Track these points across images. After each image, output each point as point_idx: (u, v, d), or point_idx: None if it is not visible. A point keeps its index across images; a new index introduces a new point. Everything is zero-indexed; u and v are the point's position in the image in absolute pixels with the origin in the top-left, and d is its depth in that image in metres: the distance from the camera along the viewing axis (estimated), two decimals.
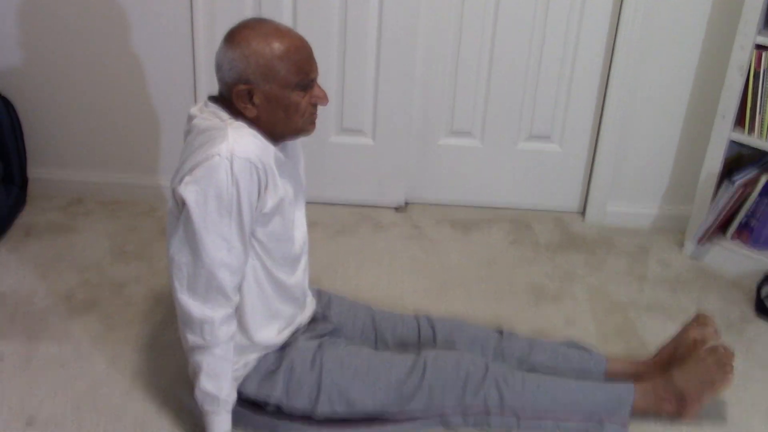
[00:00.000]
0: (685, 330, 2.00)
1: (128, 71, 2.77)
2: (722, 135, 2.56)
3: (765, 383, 2.11)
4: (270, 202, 1.65)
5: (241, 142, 1.57)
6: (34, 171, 2.92)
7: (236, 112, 1.64)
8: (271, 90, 1.60)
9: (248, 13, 2.66)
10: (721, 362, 1.85)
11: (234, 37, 1.61)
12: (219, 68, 1.62)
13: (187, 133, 1.68)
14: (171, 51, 2.73)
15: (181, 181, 1.58)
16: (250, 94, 1.61)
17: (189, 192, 1.56)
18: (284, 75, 1.60)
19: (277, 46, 1.58)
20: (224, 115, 1.63)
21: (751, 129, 2.51)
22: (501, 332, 2.03)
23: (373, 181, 2.94)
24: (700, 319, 2.00)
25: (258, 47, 1.58)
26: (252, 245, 1.67)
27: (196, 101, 2.78)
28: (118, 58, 2.75)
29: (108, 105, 2.83)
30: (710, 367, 1.86)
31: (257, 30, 1.60)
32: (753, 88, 2.47)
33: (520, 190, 2.99)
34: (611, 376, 1.99)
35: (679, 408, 1.89)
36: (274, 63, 1.58)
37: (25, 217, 2.77)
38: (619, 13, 2.66)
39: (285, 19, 2.66)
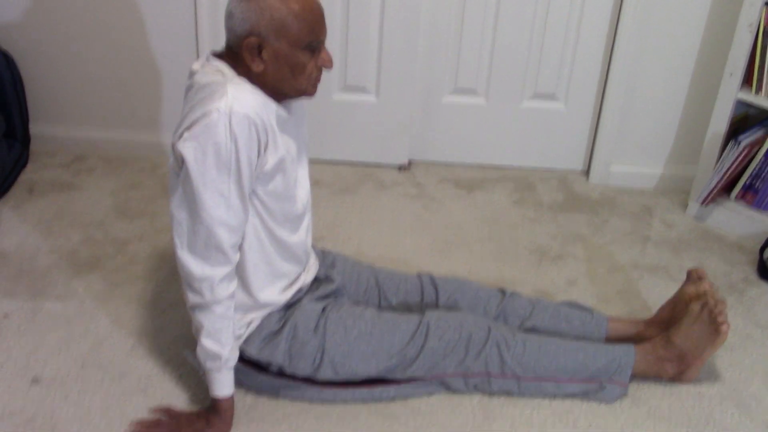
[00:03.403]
0: (681, 289, 2.01)
1: (130, 27, 2.74)
2: (729, 94, 2.53)
3: (764, 345, 2.12)
4: (271, 161, 1.63)
5: (240, 98, 1.55)
6: (36, 127, 2.91)
7: (241, 66, 1.62)
8: (280, 47, 1.59)
9: None
10: (713, 315, 1.86)
11: None
12: (230, 17, 1.59)
13: (189, 88, 1.66)
14: (172, 6, 2.69)
15: (180, 137, 1.57)
16: (259, 48, 1.59)
17: (187, 148, 1.55)
18: (296, 33, 1.58)
19: (293, 4, 1.56)
20: (227, 70, 1.62)
21: (759, 88, 2.49)
22: (504, 292, 2.03)
23: (376, 140, 2.92)
24: (693, 275, 2.00)
25: (274, 2, 1.56)
26: (252, 203, 1.67)
27: (198, 57, 2.76)
28: (119, 14, 2.72)
29: (110, 61, 2.81)
30: (704, 322, 1.86)
31: None
32: (762, 47, 2.43)
33: (524, 149, 2.98)
34: (612, 337, 2.01)
35: (681, 367, 1.91)
36: (287, 20, 1.56)
37: (27, 174, 2.77)
38: None
39: None
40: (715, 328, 1.85)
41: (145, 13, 2.71)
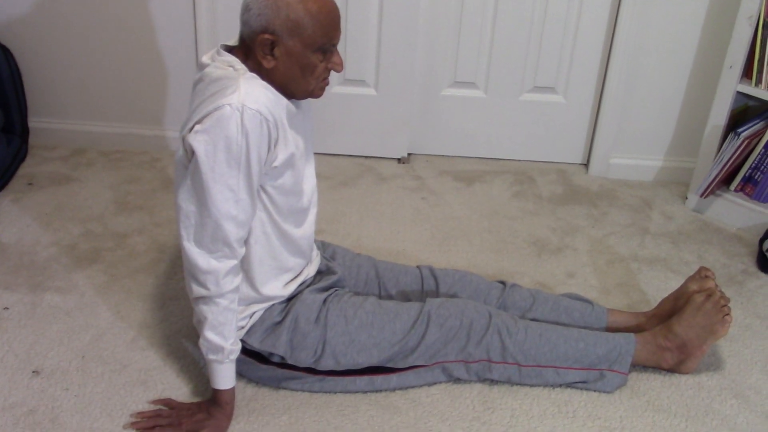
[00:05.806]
0: (685, 283, 2.01)
1: (129, 20, 2.74)
2: (729, 86, 2.53)
3: (764, 336, 2.12)
4: (281, 156, 1.64)
5: (252, 94, 1.56)
6: (35, 121, 2.91)
7: (252, 60, 1.62)
8: (293, 46, 1.59)
9: None
10: (719, 306, 1.87)
11: None
12: (247, 10, 1.59)
13: (198, 81, 1.65)
14: (171, 0, 2.69)
15: (190, 130, 1.57)
16: (272, 45, 1.59)
17: (198, 141, 1.55)
18: (310, 34, 1.58)
19: (310, 4, 1.56)
20: (238, 65, 1.62)
21: (759, 81, 2.49)
22: (504, 284, 2.03)
23: (375, 132, 2.92)
24: (701, 273, 2.00)
25: (292, 1, 1.56)
26: (260, 198, 1.67)
27: (197, 51, 2.75)
28: (118, 8, 2.71)
29: (109, 55, 2.81)
30: (708, 313, 1.87)
31: None
32: (762, 39, 2.43)
33: (523, 141, 2.98)
34: (612, 329, 2.01)
35: (681, 357, 1.91)
36: (304, 20, 1.57)
37: (27, 168, 2.77)
38: None
39: None
40: (720, 318, 1.86)
41: (144, 7, 2.71)
